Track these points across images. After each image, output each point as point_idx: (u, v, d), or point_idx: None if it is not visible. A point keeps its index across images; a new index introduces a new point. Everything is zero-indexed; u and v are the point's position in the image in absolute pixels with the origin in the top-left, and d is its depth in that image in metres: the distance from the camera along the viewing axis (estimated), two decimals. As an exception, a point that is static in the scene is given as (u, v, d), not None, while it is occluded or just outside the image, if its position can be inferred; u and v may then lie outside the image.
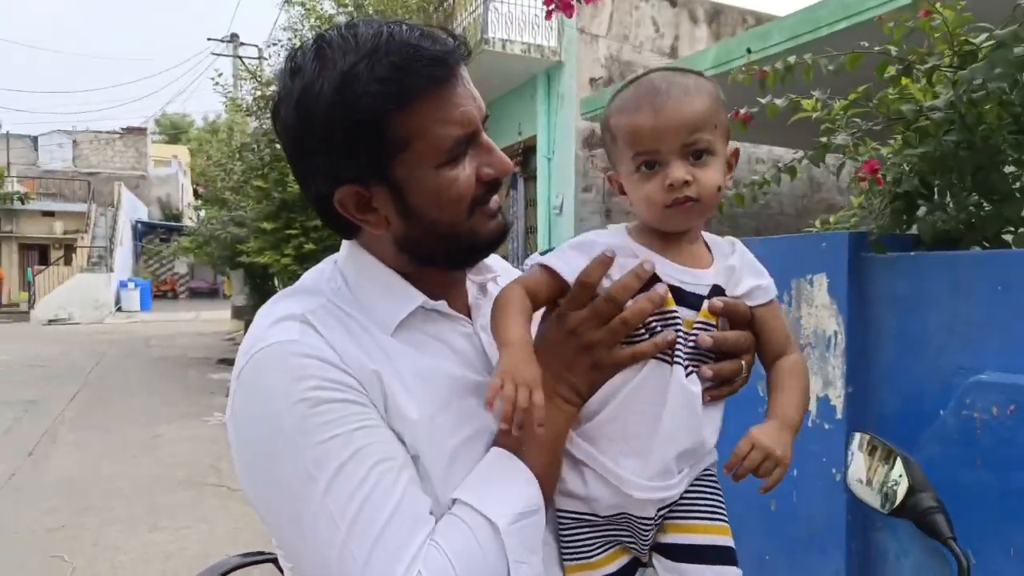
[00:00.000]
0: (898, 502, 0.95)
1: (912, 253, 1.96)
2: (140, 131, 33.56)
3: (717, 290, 0.87)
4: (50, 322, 20.20)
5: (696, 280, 0.86)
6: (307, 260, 9.78)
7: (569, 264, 0.84)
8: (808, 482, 2.15)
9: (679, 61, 6.30)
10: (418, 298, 0.87)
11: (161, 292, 29.10)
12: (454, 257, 0.88)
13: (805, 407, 0.95)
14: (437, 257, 0.87)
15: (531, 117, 8.77)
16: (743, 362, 0.89)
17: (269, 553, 1.35)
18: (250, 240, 10.66)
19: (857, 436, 1.04)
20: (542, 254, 0.89)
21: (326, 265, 0.93)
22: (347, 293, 0.87)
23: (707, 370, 0.85)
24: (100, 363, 10.88)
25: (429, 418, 0.81)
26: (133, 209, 28.78)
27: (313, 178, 0.84)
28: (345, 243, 0.92)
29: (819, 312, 2.13)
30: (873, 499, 1.00)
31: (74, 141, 31.31)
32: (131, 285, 24.05)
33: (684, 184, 0.83)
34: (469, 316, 0.93)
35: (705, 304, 0.85)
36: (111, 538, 3.89)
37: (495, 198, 0.87)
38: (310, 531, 0.75)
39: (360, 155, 0.79)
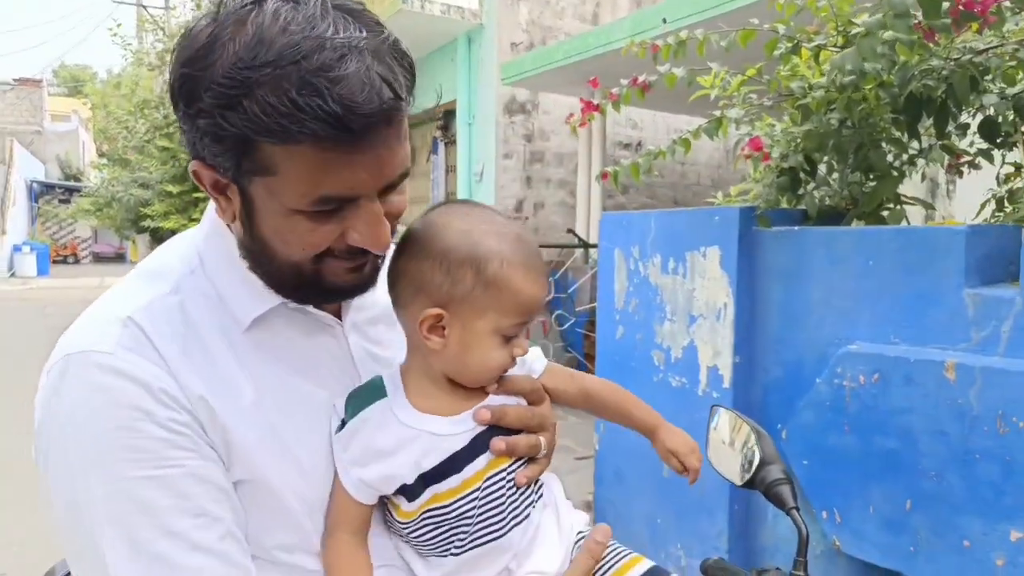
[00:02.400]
0: (749, 475, 0.98)
1: (796, 228, 2.03)
2: (35, 83, 31.18)
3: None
4: (-65, 288, 18.71)
5: (456, 428, 0.81)
6: (217, 225, 9.39)
7: (362, 484, 0.79)
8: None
9: (598, 29, 6.30)
10: (272, 299, 0.79)
11: (61, 257, 27.41)
12: (295, 291, 0.78)
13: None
14: (273, 279, 0.77)
15: (451, 81, 8.62)
16: (541, 438, 0.84)
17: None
18: (155, 203, 10.16)
19: (717, 412, 1.07)
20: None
21: (184, 241, 0.84)
22: (202, 277, 0.79)
23: (499, 443, 0.79)
24: (-9, 333, 10.18)
25: (270, 431, 0.76)
26: (28, 167, 26.82)
27: (181, 132, 0.73)
28: (210, 218, 0.82)
29: (711, 284, 2.19)
30: (729, 472, 1.03)
31: (-41, 91, 28.83)
32: (26, 249, 22.51)
33: None
34: (339, 315, 0.86)
35: (488, 457, 0.81)
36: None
37: (370, 261, 0.77)
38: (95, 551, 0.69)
39: (220, 154, 0.69)
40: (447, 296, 0.77)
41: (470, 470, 0.78)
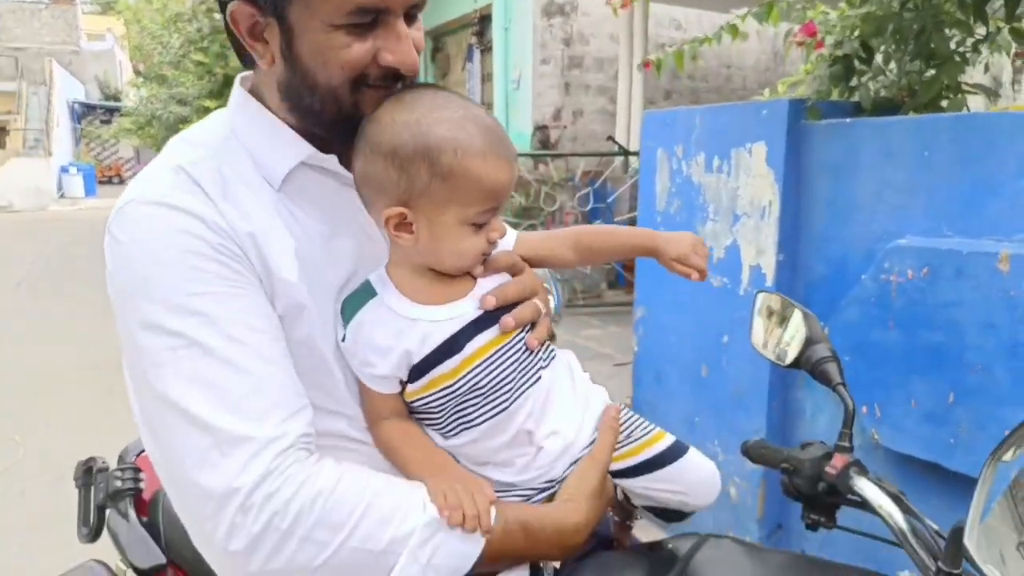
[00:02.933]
0: (796, 354, 0.98)
1: (847, 120, 1.94)
2: (68, 0, 31.00)
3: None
4: (-10, 209, 19.38)
5: (458, 311, 0.81)
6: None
7: (378, 379, 0.81)
8: (737, 347, 2.24)
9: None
10: (305, 150, 0.83)
11: (106, 177, 27.90)
12: (332, 128, 0.81)
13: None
14: (314, 118, 0.81)
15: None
16: (537, 302, 0.87)
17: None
18: (193, 119, 10.18)
19: (759, 296, 1.07)
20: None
21: (214, 117, 0.89)
22: (235, 143, 0.83)
23: (508, 320, 0.81)
24: (43, 252, 10.57)
25: (307, 279, 0.80)
26: (68, 88, 27.04)
27: None
28: (237, 90, 0.87)
29: (756, 182, 2.14)
30: (773, 354, 1.03)
31: (-6, 12, 28.83)
32: (73, 170, 23.00)
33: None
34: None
35: (494, 332, 0.82)
36: (63, 420, 3.92)
37: (391, 91, 0.79)
38: (153, 390, 0.73)
39: None
40: (406, 193, 0.76)
41: (471, 347, 0.80)
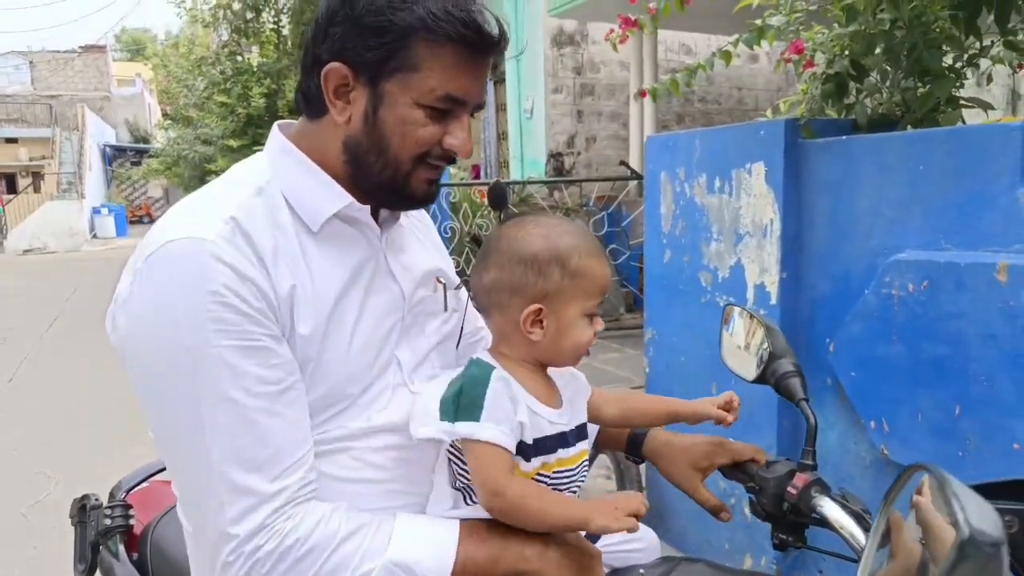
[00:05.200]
0: (760, 369, 0.99)
1: (844, 137, 1.96)
2: (99, 49, 32.09)
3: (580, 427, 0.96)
4: (25, 252, 19.94)
5: (563, 419, 0.93)
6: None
7: (503, 432, 0.86)
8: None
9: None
10: (347, 198, 0.90)
11: (136, 217, 28.60)
12: (380, 190, 0.91)
13: None
14: (369, 176, 0.89)
15: (497, 13, 8.46)
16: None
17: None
18: (218, 159, 10.45)
19: (726, 311, 1.08)
20: (455, 415, 0.87)
21: (250, 162, 0.95)
22: (275, 187, 0.89)
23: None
24: (77, 290, 10.84)
25: (329, 328, 0.86)
26: (100, 132, 27.90)
27: (322, 41, 0.86)
28: (277, 138, 0.93)
29: (757, 201, 2.16)
30: (741, 369, 1.04)
31: (31, 62, 29.95)
32: (104, 211, 23.61)
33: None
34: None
35: (582, 445, 0.95)
36: (93, 453, 4.01)
37: (439, 171, 0.92)
38: (182, 447, 0.80)
39: (374, 49, 0.83)
40: (542, 292, 0.89)
41: (565, 453, 0.92)
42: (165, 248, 0.80)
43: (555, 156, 8.20)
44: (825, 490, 0.88)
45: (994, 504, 0.71)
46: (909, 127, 1.97)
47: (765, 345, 0.99)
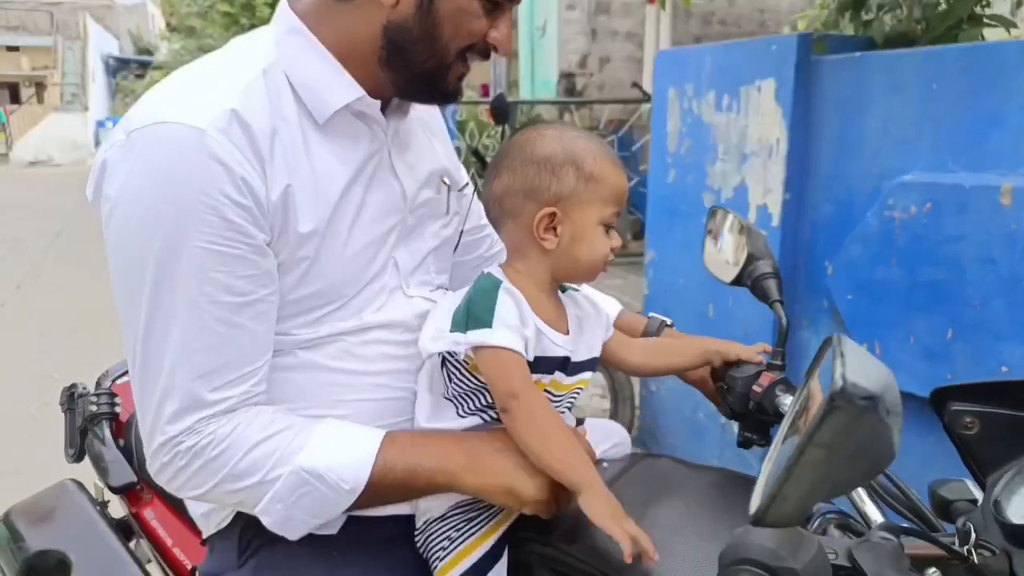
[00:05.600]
0: (739, 270, 0.98)
1: (856, 54, 1.89)
2: (100, -46, 30.98)
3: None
4: (31, 164, 19.86)
5: (568, 346, 0.89)
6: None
7: (521, 342, 0.83)
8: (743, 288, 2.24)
9: None
10: (358, 90, 0.85)
11: (142, 131, 28.22)
12: (418, 80, 0.87)
13: None
14: (410, 65, 0.85)
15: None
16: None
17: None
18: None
19: (713, 213, 1.06)
20: (466, 325, 0.84)
21: (258, 36, 0.89)
22: (279, 72, 0.83)
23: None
24: (82, 202, 10.85)
25: (330, 226, 0.84)
26: (102, 42, 27.24)
27: None
28: (286, 16, 0.86)
29: (765, 119, 2.10)
30: (720, 271, 1.03)
31: (29, -34, 28.96)
32: (109, 124, 23.29)
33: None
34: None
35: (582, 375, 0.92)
36: (97, 357, 4.09)
37: (469, 68, 0.89)
38: (140, 331, 0.79)
39: None
40: (556, 195, 0.85)
41: (562, 378, 0.90)
42: (156, 129, 0.76)
43: (567, 76, 7.97)
44: (790, 389, 0.88)
45: (958, 405, 0.71)
46: (928, 46, 1.90)
47: (744, 247, 0.98)
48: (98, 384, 1.29)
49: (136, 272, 0.77)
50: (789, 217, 2.06)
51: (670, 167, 2.55)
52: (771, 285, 0.94)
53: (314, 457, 0.80)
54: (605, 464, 0.96)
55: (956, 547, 0.61)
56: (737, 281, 0.99)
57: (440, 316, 0.89)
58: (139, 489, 1.15)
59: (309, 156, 0.82)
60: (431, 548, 0.87)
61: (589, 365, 0.93)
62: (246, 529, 0.88)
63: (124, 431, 1.22)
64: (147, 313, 0.78)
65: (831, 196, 1.98)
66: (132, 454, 1.17)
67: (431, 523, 0.88)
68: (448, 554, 0.85)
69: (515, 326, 0.83)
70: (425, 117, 1.03)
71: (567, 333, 0.90)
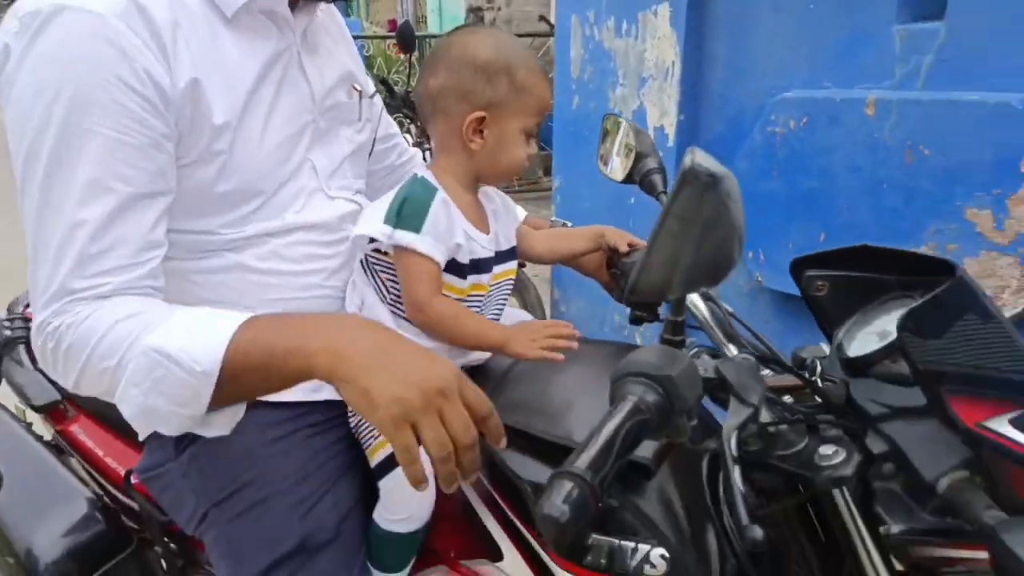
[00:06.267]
0: (628, 169, 1.07)
1: (744, -24, 1.99)
2: None
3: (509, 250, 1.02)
4: None
5: (492, 244, 0.97)
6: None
7: (438, 248, 0.90)
8: (641, 207, 2.36)
9: None
10: None
11: None
12: None
13: None
14: None
15: None
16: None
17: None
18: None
19: (604, 119, 1.14)
20: (396, 223, 0.90)
21: None
22: None
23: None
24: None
25: (242, 120, 0.85)
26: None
27: None
28: None
29: (661, 43, 2.19)
30: (613, 171, 1.12)
31: None
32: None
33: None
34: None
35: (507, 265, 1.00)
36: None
37: None
38: (31, 211, 0.77)
39: None
40: (487, 101, 0.91)
41: (499, 268, 0.99)
42: (54, 15, 0.75)
43: (475, 11, 7.84)
44: None
45: (811, 271, 0.82)
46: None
47: (634, 147, 1.06)
48: (10, 310, 1.27)
49: (32, 154, 0.77)
50: (683, 137, 2.17)
51: (574, 94, 2.61)
52: (657, 179, 1.02)
53: (166, 338, 0.74)
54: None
55: (806, 378, 0.73)
56: (628, 179, 1.07)
57: (368, 211, 0.95)
58: (62, 408, 1.16)
59: (217, 50, 0.83)
60: (363, 431, 0.94)
61: (511, 255, 1.02)
62: None
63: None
64: (40, 195, 0.77)
65: (721, 116, 2.10)
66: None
67: None
68: (376, 438, 0.91)
69: (441, 236, 0.90)
70: (331, 26, 1.04)
71: (488, 232, 0.98)
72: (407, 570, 0.93)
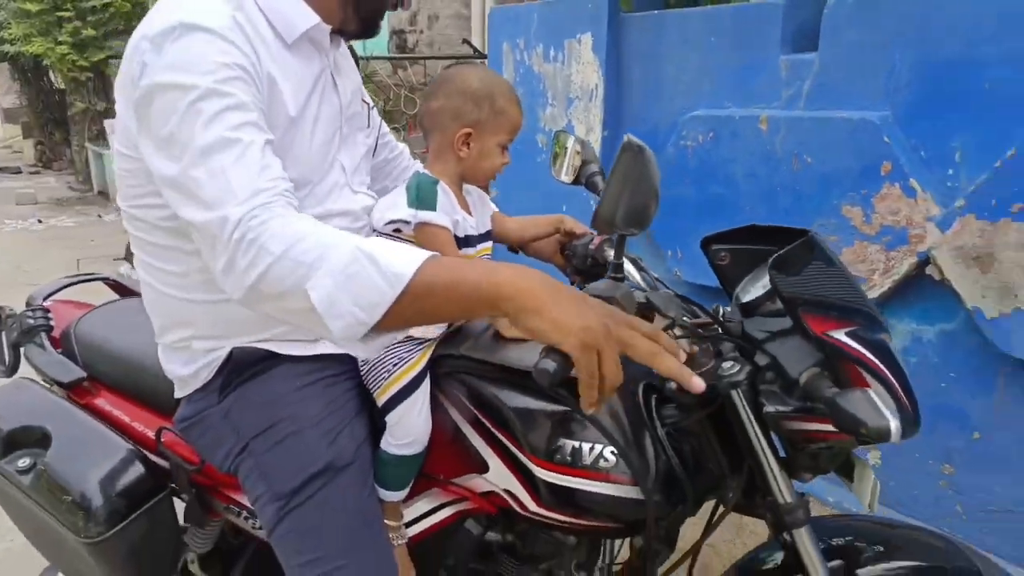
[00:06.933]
0: (575, 174, 1.30)
1: (655, 12, 2.29)
2: None
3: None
4: None
5: (475, 224, 1.19)
6: (88, 48, 8.66)
7: (451, 220, 1.12)
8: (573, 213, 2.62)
9: None
10: (316, 18, 1.05)
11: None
12: (367, 16, 1.11)
13: None
14: (359, 9, 1.10)
15: None
16: None
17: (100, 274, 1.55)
18: (12, 26, 9.17)
19: (554, 135, 1.38)
20: (417, 205, 1.11)
21: None
22: (252, 3, 1.01)
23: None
24: None
25: (301, 119, 1.04)
26: None
27: None
28: None
29: (585, 68, 2.46)
30: (564, 177, 1.35)
31: None
32: None
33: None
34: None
35: (486, 244, 1.22)
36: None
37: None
38: (195, 146, 0.87)
39: None
40: (474, 120, 1.15)
41: (481, 245, 1.20)
42: (182, 26, 0.90)
43: (398, 33, 8.05)
44: (611, 244, 1.22)
45: (716, 245, 1.07)
46: (709, 5, 2.33)
47: (578, 155, 1.30)
48: (28, 303, 1.39)
49: (188, 122, 0.89)
50: (607, 151, 2.45)
51: (508, 113, 2.86)
52: (598, 181, 1.26)
53: (371, 244, 0.81)
54: None
55: (714, 317, 0.97)
56: (576, 181, 1.31)
57: (386, 203, 1.17)
58: (86, 386, 1.29)
59: (284, 61, 1.03)
60: (372, 378, 1.13)
61: (487, 236, 1.25)
62: (227, 371, 1.07)
63: (61, 342, 1.33)
64: (212, 130, 0.88)
65: (640, 131, 2.38)
66: (76, 358, 1.30)
67: (375, 360, 1.13)
68: (385, 381, 1.11)
69: (450, 212, 1.14)
70: (347, 53, 1.27)
71: (471, 215, 1.21)
72: (407, 490, 1.12)
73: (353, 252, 0.80)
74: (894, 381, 0.81)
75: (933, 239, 1.65)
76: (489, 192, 1.35)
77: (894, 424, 0.73)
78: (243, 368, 1.08)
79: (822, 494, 1.96)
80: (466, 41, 7.10)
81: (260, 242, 0.82)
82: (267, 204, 0.86)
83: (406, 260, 0.79)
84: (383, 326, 0.80)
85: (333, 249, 0.80)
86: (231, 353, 1.08)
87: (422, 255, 0.80)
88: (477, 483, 1.10)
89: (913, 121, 1.68)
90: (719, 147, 2.06)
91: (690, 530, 1.13)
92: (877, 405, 0.74)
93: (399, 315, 0.79)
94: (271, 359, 1.09)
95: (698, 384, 0.77)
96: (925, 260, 1.69)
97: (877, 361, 0.81)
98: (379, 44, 8.12)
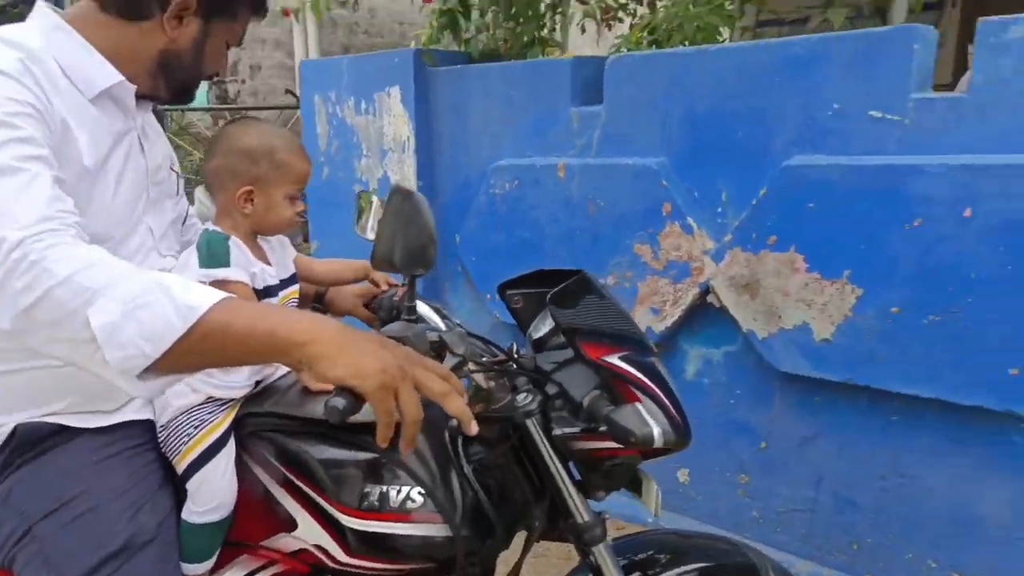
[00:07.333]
0: (375, 230, 1.33)
1: (459, 66, 2.40)
2: None
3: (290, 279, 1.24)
4: None
5: (274, 273, 1.19)
6: None
7: (247, 274, 1.11)
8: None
9: None
10: (119, 76, 1.02)
11: None
12: (179, 87, 1.12)
13: None
14: (176, 78, 1.09)
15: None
16: None
17: None
18: None
19: (357, 195, 1.40)
20: (208, 264, 1.09)
21: (21, 28, 1.00)
22: (48, 55, 0.97)
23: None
24: None
25: (103, 172, 0.99)
26: None
27: None
28: (49, 16, 1.02)
29: (396, 120, 2.52)
30: (367, 234, 1.37)
31: None
32: None
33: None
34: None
35: (290, 288, 1.22)
36: None
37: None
38: None
39: None
40: (253, 177, 1.13)
41: (283, 292, 1.18)
42: None
43: (217, 84, 7.75)
44: (416, 296, 1.25)
45: (510, 291, 1.13)
46: (509, 61, 2.48)
47: (379, 210, 1.32)
48: None
49: None
50: (424, 200, 2.51)
51: (323, 166, 2.85)
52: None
53: (164, 276, 0.78)
54: None
55: (510, 355, 1.02)
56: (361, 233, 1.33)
57: (179, 265, 1.14)
58: None
59: (83, 111, 0.98)
60: (172, 444, 1.07)
61: (292, 280, 1.24)
62: (9, 449, 0.98)
63: None
64: None
65: (452, 181, 2.47)
66: None
67: (171, 420, 1.07)
68: (185, 446, 1.05)
69: (245, 265, 1.11)
70: (154, 122, 1.24)
71: (271, 264, 1.20)
72: (212, 560, 1.05)
73: (147, 283, 0.76)
74: (662, 396, 0.90)
75: (710, 271, 1.85)
76: (310, 245, 1.35)
77: (656, 431, 0.83)
78: (28, 446, 0.99)
79: (623, 511, 2.09)
80: (289, 91, 6.98)
81: (43, 264, 0.76)
82: (56, 231, 0.80)
83: (202, 296, 0.77)
84: (167, 363, 0.76)
85: (126, 278, 0.77)
86: (15, 430, 0.99)
87: (220, 294, 0.78)
88: (286, 542, 1.06)
89: (686, 166, 1.89)
90: (524, 194, 2.18)
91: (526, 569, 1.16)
92: (643, 416, 0.84)
93: (186, 353, 0.76)
94: (62, 433, 1.00)
95: (474, 428, 0.81)
96: (706, 290, 1.89)
97: (646, 379, 0.90)
98: (199, 96, 7.76)
